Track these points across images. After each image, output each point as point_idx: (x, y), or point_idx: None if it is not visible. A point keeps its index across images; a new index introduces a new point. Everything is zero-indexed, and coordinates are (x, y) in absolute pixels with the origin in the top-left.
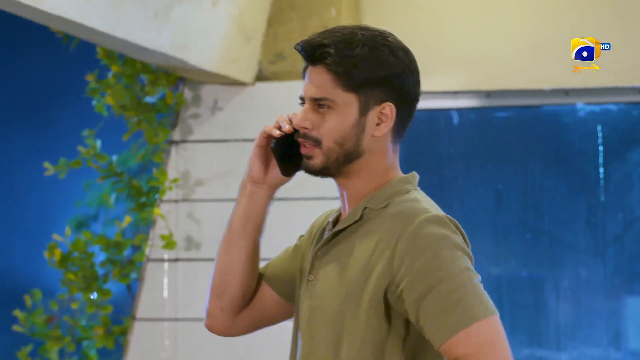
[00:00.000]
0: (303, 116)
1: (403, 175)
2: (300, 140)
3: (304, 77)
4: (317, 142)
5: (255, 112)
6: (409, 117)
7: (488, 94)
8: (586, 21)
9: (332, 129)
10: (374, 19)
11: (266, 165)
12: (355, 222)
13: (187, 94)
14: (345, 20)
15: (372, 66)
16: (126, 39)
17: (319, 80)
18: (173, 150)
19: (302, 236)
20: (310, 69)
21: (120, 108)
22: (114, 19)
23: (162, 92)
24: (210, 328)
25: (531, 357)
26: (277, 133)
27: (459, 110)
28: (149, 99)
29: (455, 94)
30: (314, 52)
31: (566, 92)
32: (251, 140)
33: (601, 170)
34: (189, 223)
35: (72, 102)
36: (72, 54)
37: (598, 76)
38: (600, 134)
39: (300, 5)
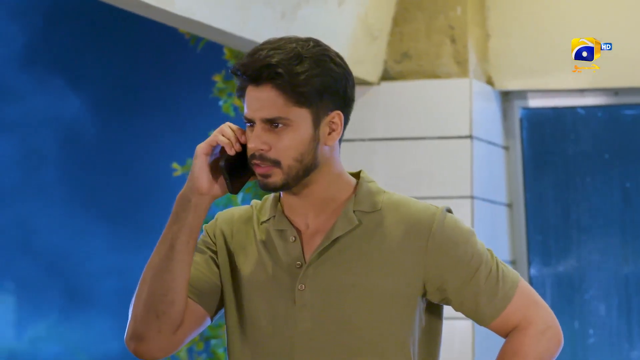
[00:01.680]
0: (258, 139)
1: (360, 173)
2: (255, 162)
3: (241, 97)
4: (276, 163)
5: (381, 111)
6: (349, 119)
7: (616, 91)
8: None
9: (290, 147)
10: (500, 17)
11: (212, 175)
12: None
13: None
14: (472, 19)
15: (320, 78)
16: (254, 39)
17: (269, 100)
18: None
19: (206, 244)
20: (251, 88)
21: None
22: (242, 19)
23: None
24: (142, 353)
25: None
26: (232, 152)
27: (586, 108)
28: None
29: (582, 91)
30: (260, 73)
31: None
32: (378, 139)
33: None
34: None
35: (200, 103)
36: (199, 55)
37: None
38: None
39: (426, 4)
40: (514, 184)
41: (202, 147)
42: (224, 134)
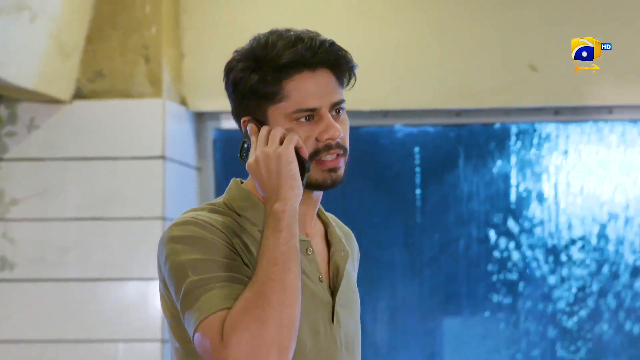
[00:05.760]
0: (336, 125)
1: None
2: (334, 151)
3: (274, 92)
4: (345, 151)
5: (73, 130)
6: None
7: None
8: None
9: (347, 131)
10: (194, 38)
11: None
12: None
13: (3, 111)
14: (166, 39)
15: None
16: None
17: (332, 83)
18: None
19: (234, 256)
20: (308, 75)
21: None
22: None
23: None
24: None
25: None
26: (307, 155)
27: None
28: None
29: None
30: (340, 61)
31: (385, 114)
32: (70, 159)
33: (418, 191)
34: (3, 243)
35: None
36: None
37: (416, 98)
38: (417, 156)
39: (121, 22)
40: None
41: (291, 152)
42: (294, 137)
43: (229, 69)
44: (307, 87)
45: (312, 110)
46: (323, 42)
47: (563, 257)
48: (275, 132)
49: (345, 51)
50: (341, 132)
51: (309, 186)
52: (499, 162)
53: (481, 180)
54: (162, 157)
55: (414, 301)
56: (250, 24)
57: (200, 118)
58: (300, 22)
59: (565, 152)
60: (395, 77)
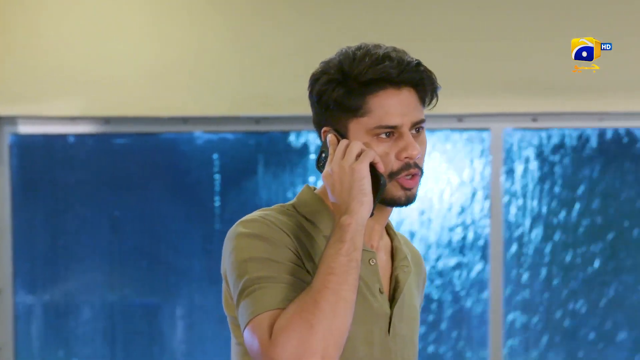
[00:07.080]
0: (415, 144)
1: None
2: (413, 171)
3: (357, 106)
4: (422, 171)
5: None
6: None
7: (107, 120)
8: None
9: (425, 151)
10: None
11: None
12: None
13: None
14: None
15: None
16: None
17: (414, 102)
18: None
19: (296, 261)
20: (392, 91)
21: None
22: None
23: None
24: None
25: None
26: (383, 170)
27: (77, 136)
28: None
29: (73, 119)
30: (425, 82)
31: (185, 120)
32: None
33: (217, 198)
34: None
35: None
36: None
37: (216, 105)
38: (217, 163)
39: None
40: (1, 211)
41: (365, 167)
42: (368, 152)
43: (315, 80)
44: (390, 105)
45: (393, 127)
46: (410, 61)
47: None
48: (353, 146)
49: (430, 72)
50: (420, 151)
51: (383, 202)
52: (298, 170)
53: (280, 187)
54: None
55: (212, 308)
56: (46, 30)
57: None
58: (98, 27)
59: None
60: (195, 83)
